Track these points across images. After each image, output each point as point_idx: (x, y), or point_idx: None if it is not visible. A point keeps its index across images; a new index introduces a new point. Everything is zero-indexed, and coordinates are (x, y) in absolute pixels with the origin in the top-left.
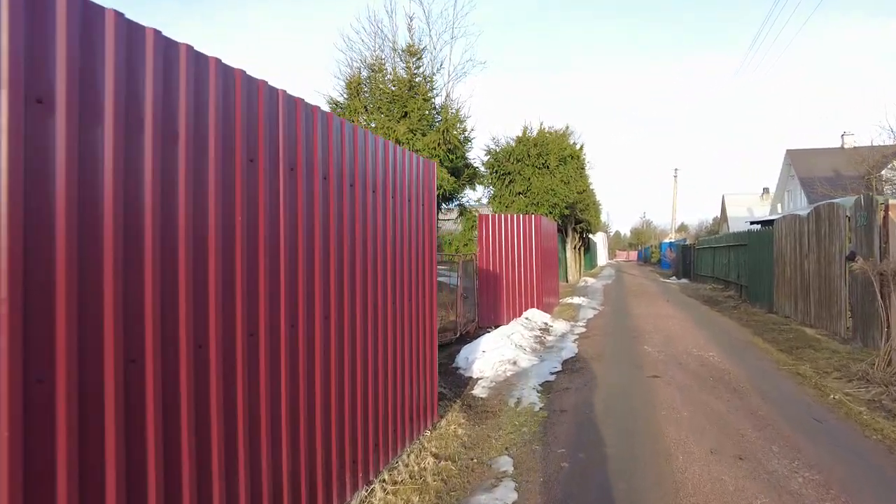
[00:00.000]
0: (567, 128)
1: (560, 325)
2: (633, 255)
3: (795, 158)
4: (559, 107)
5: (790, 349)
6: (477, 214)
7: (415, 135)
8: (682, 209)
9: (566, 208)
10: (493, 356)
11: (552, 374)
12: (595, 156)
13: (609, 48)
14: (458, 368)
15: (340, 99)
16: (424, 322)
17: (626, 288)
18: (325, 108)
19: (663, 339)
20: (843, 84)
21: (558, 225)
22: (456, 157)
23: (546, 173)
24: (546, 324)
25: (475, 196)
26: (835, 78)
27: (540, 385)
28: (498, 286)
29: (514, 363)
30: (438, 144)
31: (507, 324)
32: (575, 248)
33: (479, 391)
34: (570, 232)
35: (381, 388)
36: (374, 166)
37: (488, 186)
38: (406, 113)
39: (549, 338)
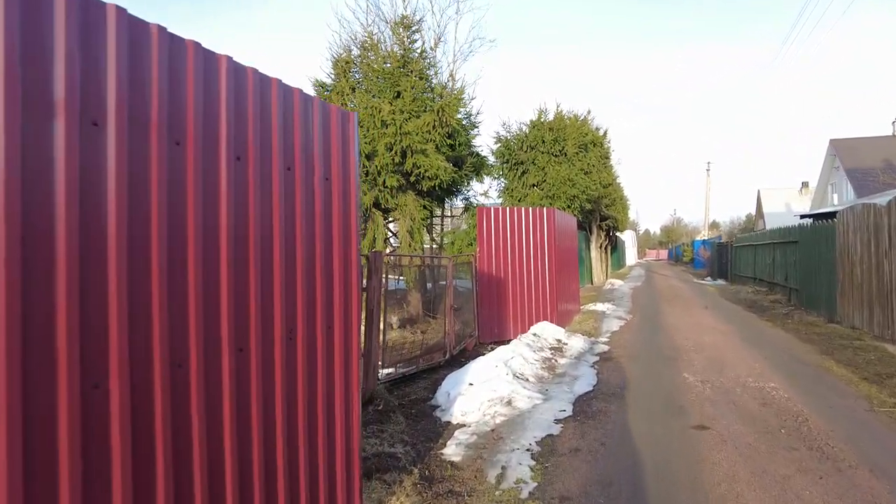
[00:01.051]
0: (588, 113)
1: (577, 343)
2: (664, 253)
3: (841, 149)
4: (583, 99)
5: (879, 378)
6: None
7: (408, 117)
8: (713, 206)
9: (588, 202)
10: (482, 392)
11: (557, 421)
12: (624, 152)
13: (636, 35)
14: (435, 407)
15: (328, 80)
16: (333, 362)
17: (658, 291)
18: (311, 90)
19: (707, 362)
20: (890, 70)
21: (579, 221)
22: (458, 145)
23: (563, 161)
24: (559, 341)
25: (482, 189)
26: (881, 63)
27: (538, 442)
28: (502, 293)
29: (509, 403)
30: (434, 127)
31: (516, 338)
32: (600, 247)
33: (452, 450)
34: (594, 229)
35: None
36: (231, 114)
37: (498, 178)
38: (399, 93)
39: (562, 361)
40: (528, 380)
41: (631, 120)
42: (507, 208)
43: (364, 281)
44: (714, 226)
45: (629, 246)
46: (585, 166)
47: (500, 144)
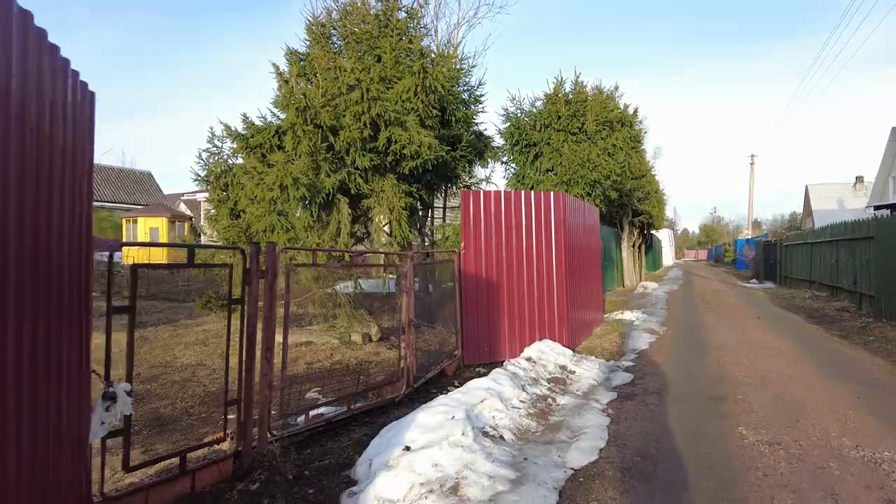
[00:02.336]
0: (616, 88)
1: (589, 370)
2: (703, 254)
3: None
4: (614, 81)
5: None
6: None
7: (388, 85)
8: (755, 204)
9: (614, 190)
10: (421, 463)
11: None
12: (661, 144)
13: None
14: (350, 483)
15: (302, 48)
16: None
17: (698, 296)
18: (282, 62)
19: (772, 406)
20: None
21: (606, 215)
22: (454, 121)
23: (582, 140)
24: (564, 368)
25: (486, 174)
26: None
27: None
28: (495, 301)
29: (455, 489)
30: (415, 93)
31: (513, 359)
32: (633, 245)
33: None
34: (625, 226)
35: None
36: None
37: (507, 164)
38: (379, 57)
39: (562, 401)
40: (501, 437)
41: (666, 114)
42: (501, 192)
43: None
44: (756, 225)
45: (666, 245)
46: (609, 147)
47: (509, 124)
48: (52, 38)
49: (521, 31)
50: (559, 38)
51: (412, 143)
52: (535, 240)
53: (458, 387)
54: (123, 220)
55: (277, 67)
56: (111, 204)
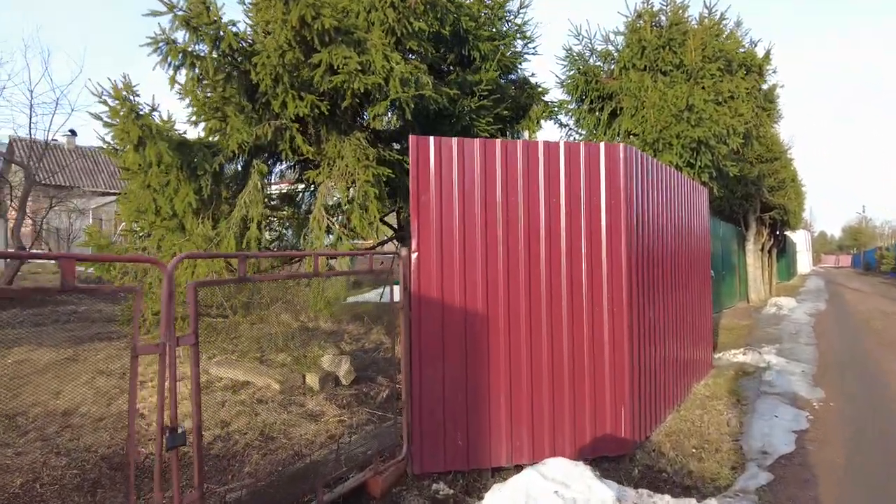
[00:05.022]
0: (740, 26)
1: None
2: (846, 259)
3: None
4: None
5: None
6: None
7: None
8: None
9: (733, 162)
10: None
11: None
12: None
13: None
14: None
15: None
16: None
17: (860, 319)
18: None
19: None
20: None
21: (725, 206)
22: (480, 58)
23: (678, 80)
24: None
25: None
26: None
27: None
28: (478, 350)
29: None
30: None
31: (510, 465)
32: (762, 249)
33: None
34: (751, 223)
35: None
36: None
37: (569, 127)
38: None
39: None
40: None
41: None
42: (497, 143)
43: None
44: None
45: (802, 249)
46: (724, 93)
47: (572, 69)
48: None
49: None
50: None
51: (369, 73)
52: (564, 234)
53: None
54: None
55: None
56: None
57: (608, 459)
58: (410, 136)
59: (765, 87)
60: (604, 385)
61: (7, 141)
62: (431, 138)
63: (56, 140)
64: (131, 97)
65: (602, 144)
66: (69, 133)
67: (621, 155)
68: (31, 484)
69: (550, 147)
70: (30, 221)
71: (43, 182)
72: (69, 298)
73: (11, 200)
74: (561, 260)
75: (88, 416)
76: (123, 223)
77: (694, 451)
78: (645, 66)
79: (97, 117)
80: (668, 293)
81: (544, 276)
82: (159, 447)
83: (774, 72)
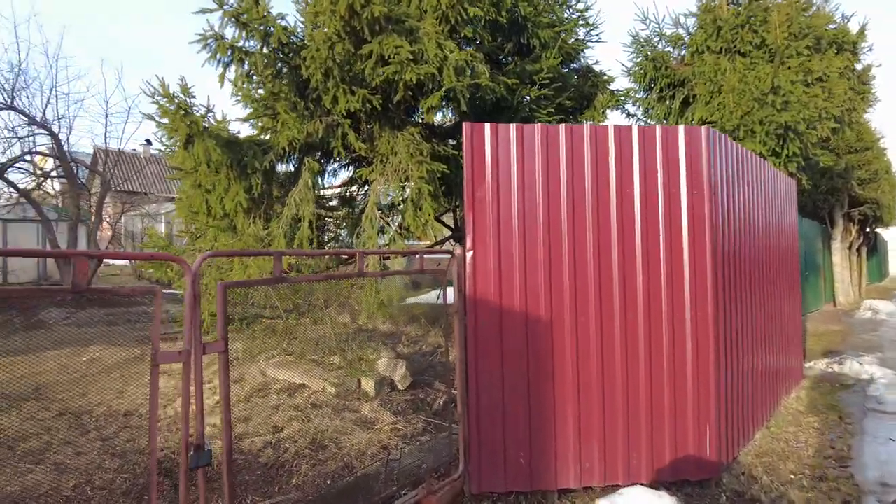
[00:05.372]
0: (829, 0)
1: None
2: None
3: None
4: None
5: None
6: None
7: None
8: None
9: (826, 151)
10: None
11: None
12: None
13: None
14: None
15: None
16: None
17: None
18: None
19: None
20: None
21: (807, 201)
22: (540, 45)
23: (759, 61)
24: None
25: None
26: None
27: None
28: (541, 360)
29: None
30: None
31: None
32: (851, 248)
33: None
34: (837, 219)
35: None
36: None
37: (637, 117)
38: None
39: None
40: None
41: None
42: (560, 129)
43: None
44: None
45: (894, 248)
46: (813, 74)
47: (640, 56)
48: None
49: None
50: None
51: (422, 62)
52: (640, 231)
53: None
54: None
55: None
56: None
57: (690, 483)
58: (464, 124)
59: (858, 66)
60: (685, 399)
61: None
62: (487, 125)
63: (135, 150)
64: (183, 97)
65: (681, 127)
66: (145, 143)
67: (704, 139)
68: (83, 486)
69: (622, 131)
70: (106, 225)
71: (117, 188)
72: (142, 299)
73: (90, 206)
74: (636, 259)
75: (146, 418)
76: (175, 225)
77: (793, 477)
78: (721, 49)
79: (150, 117)
80: (756, 295)
81: (617, 278)
82: (184, 467)
83: (870, 50)
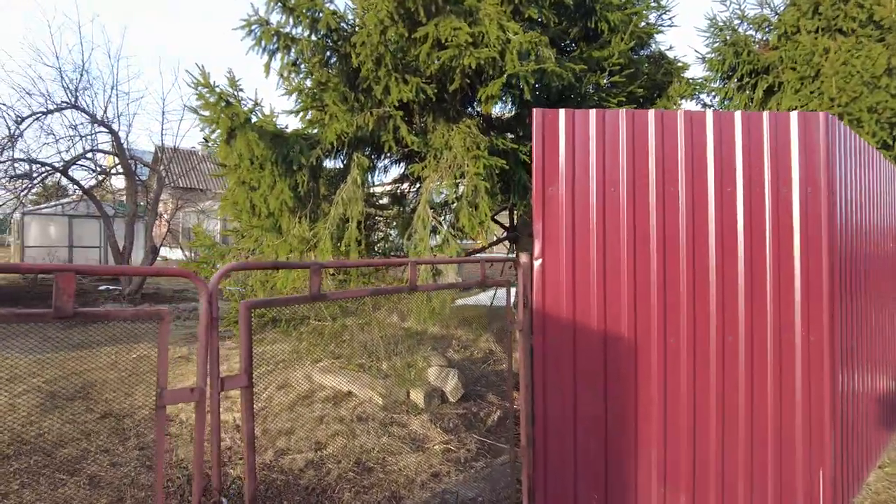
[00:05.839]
0: None
1: None
2: None
3: None
4: None
5: None
6: None
7: None
8: None
9: None
10: None
11: None
12: None
13: None
14: None
15: None
16: None
17: None
18: None
19: None
20: None
21: None
22: (609, 29)
23: (866, 39)
24: None
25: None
26: None
27: None
28: (621, 384)
29: None
30: None
31: None
32: None
33: None
34: None
35: None
36: None
37: (712, 106)
38: None
39: None
40: None
41: None
42: (641, 113)
43: None
44: None
45: None
46: None
47: (718, 41)
48: None
49: None
50: None
51: (481, 46)
52: (742, 236)
53: None
54: None
55: None
56: None
57: None
58: (534, 110)
59: None
60: (793, 438)
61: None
62: (562, 111)
63: (194, 147)
64: (231, 90)
65: (794, 114)
66: (203, 141)
67: (822, 128)
68: None
69: (723, 118)
70: (163, 221)
71: (172, 185)
72: (193, 295)
73: (148, 203)
74: (738, 271)
75: (186, 425)
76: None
77: None
78: (817, 28)
79: (194, 110)
80: (871, 312)
81: (714, 294)
82: None
83: None
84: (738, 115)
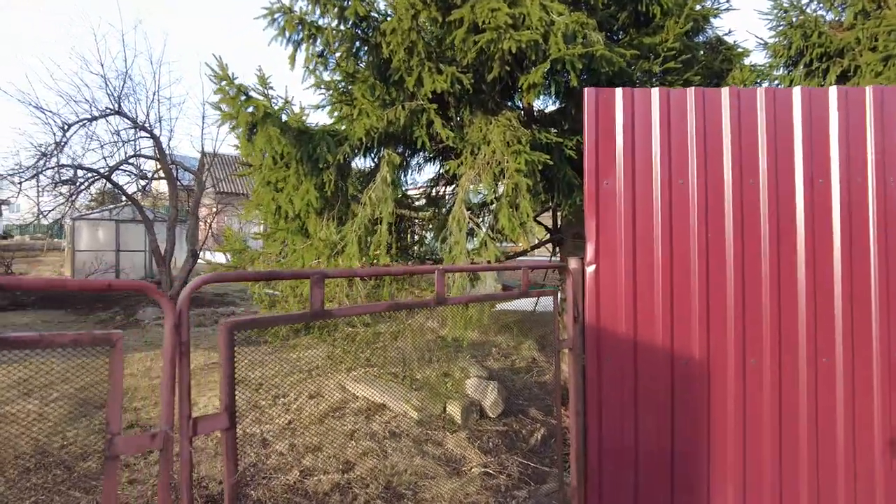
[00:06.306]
0: None
1: None
2: None
3: None
4: None
5: None
6: None
7: None
8: None
9: None
10: None
11: None
12: None
13: None
14: None
15: None
16: None
17: None
18: None
19: None
20: None
21: None
22: (662, 13)
23: None
24: None
25: None
26: None
27: None
28: (684, 416)
29: None
30: None
31: None
32: None
33: None
34: None
35: None
36: None
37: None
38: None
39: None
40: None
41: None
42: (713, 91)
43: None
44: None
45: None
46: None
47: (783, 23)
48: None
49: None
50: None
51: (522, 28)
52: (839, 238)
53: None
54: None
55: None
56: None
57: None
58: (586, 90)
59: None
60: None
61: (193, 154)
62: (619, 89)
63: (237, 152)
64: (261, 87)
65: None
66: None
67: None
68: None
69: (813, 96)
70: (204, 226)
71: (217, 190)
72: (233, 299)
73: (188, 207)
74: (833, 279)
75: (213, 438)
76: (241, 226)
77: None
78: None
79: (216, 107)
80: None
81: (804, 306)
82: None
83: None
84: (832, 90)
